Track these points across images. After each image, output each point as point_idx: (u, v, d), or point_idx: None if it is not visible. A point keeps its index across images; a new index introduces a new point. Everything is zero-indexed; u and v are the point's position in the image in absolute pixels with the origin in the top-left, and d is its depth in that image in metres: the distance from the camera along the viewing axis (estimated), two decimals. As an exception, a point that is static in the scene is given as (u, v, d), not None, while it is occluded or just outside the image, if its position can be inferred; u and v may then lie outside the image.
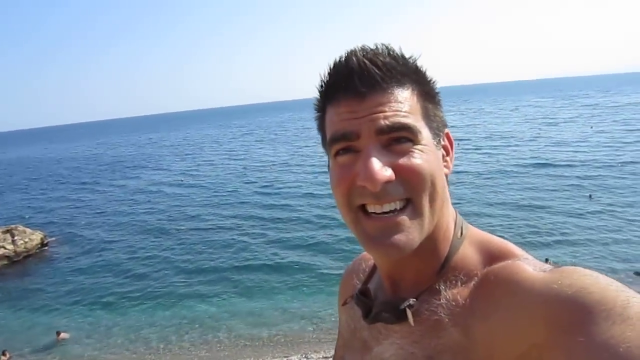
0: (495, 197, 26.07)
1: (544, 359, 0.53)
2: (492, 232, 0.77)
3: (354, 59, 0.65)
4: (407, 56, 0.69)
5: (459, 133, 59.82)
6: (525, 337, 0.55)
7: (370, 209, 0.64)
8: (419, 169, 0.63)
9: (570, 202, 22.64)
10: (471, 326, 0.61)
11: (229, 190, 33.59)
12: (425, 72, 0.70)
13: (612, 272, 14.79)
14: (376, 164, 0.61)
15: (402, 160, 0.63)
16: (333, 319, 13.69)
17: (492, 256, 0.67)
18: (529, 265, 0.61)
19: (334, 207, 24.45)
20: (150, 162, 56.03)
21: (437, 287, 0.67)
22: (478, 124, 71.63)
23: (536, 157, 34.81)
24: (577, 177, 27.56)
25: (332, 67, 0.67)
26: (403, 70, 0.66)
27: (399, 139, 0.63)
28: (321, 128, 0.72)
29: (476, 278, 0.65)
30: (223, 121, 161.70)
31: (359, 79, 0.64)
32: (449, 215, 0.72)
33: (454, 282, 0.67)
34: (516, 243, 0.72)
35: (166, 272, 18.68)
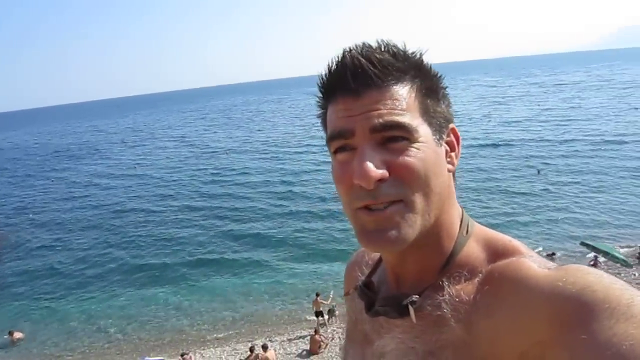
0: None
1: (546, 357, 0.53)
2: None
3: (349, 57, 0.65)
4: (410, 51, 0.68)
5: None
6: (528, 335, 0.55)
7: (370, 205, 0.64)
8: (413, 167, 0.63)
9: (520, 180, 23.52)
10: (474, 322, 0.61)
11: (178, 179, 32.85)
12: (429, 67, 0.70)
13: (560, 242, 15.62)
14: (370, 162, 0.61)
15: (397, 159, 0.63)
16: (295, 302, 14.03)
17: (497, 253, 0.67)
18: (534, 263, 0.61)
19: (288, 194, 24.98)
20: (96, 151, 53.77)
21: (441, 283, 0.67)
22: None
23: (487, 137, 35.89)
24: (526, 155, 28.60)
25: (329, 64, 0.67)
26: (401, 67, 0.66)
27: (394, 137, 0.63)
28: (324, 125, 0.72)
29: (480, 275, 0.65)
30: (176, 105, 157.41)
31: (354, 77, 0.64)
32: (454, 212, 0.72)
33: (458, 278, 0.67)
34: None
35: (123, 261, 18.39)
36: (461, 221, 0.72)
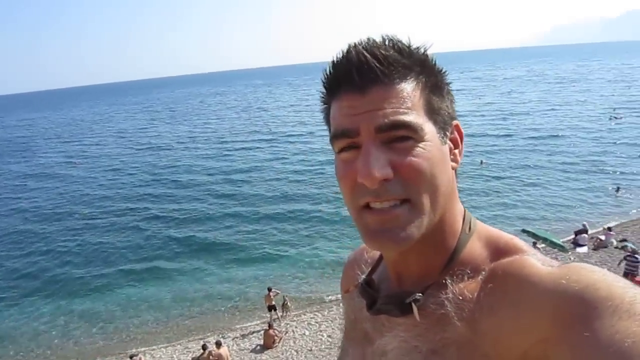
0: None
1: (549, 355, 0.53)
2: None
3: (354, 52, 0.63)
4: (415, 46, 0.67)
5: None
6: (531, 333, 0.55)
7: (371, 204, 0.64)
8: (419, 167, 0.62)
9: (462, 175, 24.34)
10: (478, 321, 0.61)
11: (118, 176, 31.41)
12: (434, 63, 0.68)
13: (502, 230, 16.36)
14: (374, 161, 0.61)
15: (402, 159, 0.62)
16: (245, 298, 13.92)
17: (499, 251, 0.67)
18: (537, 261, 0.61)
19: (233, 193, 24.52)
20: (25, 148, 50.34)
21: (444, 281, 0.67)
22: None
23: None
24: (470, 149, 29.68)
25: (333, 60, 0.66)
26: (407, 63, 0.64)
27: (399, 137, 0.62)
28: (327, 120, 0.72)
29: (484, 273, 0.65)
30: (115, 98, 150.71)
31: (359, 73, 0.63)
32: (457, 210, 0.72)
33: (461, 276, 0.66)
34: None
35: (67, 263, 17.60)
36: (464, 219, 0.72)
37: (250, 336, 11.85)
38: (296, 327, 12.00)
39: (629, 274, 10.58)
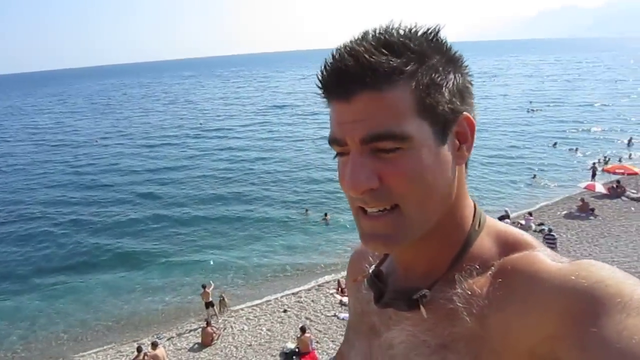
0: (325, 160, 27.60)
1: (556, 350, 0.53)
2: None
3: (338, 58, 0.61)
4: (416, 37, 0.63)
5: (288, 99, 61.67)
6: (539, 328, 0.55)
7: (364, 208, 0.65)
8: (406, 176, 0.61)
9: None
10: (487, 316, 0.61)
11: (30, 177, 28.90)
12: (439, 53, 0.64)
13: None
14: (358, 173, 0.61)
15: (388, 168, 0.61)
16: (180, 297, 13.61)
17: (509, 247, 0.67)
18: (547, 257, 0.61)
19: (158, 187, 23.58)
20: None
21: (453, 276, 0.66)
22: (308, 90, 74.77)
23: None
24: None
25: (323, 65, 0.63)
26: (395, 65, 0.60)
27: (384, 147, 0.61)
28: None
29: (493, 268, 0.65)
30: (32, 89, 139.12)
31: (342, 82, 0.61)
32: (465, 205, 0.71)
33: (469, 271, 0.66)
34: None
35: None
36: (474, 215, 0.71)
37: (187, 335, 11.59)
38: (234, 323, 11.91)
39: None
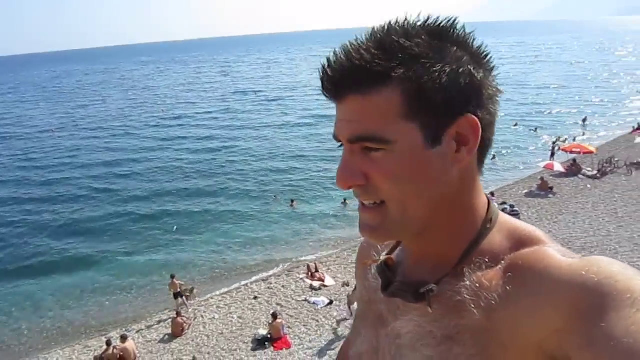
0: (291, 148, 27.52)
1: (564, 344, 0.53)
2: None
3: (332, 60, 0.64)
4: (416, 33, 0.62)
5: (251, 85, 60.93)
6: (548, 323, 0.55)
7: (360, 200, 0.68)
8: (389, 177, 0.63)
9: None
10: (495, 309, 0.61)
11: None
12: (435, 55, 0.61)
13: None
14: (345, 170, 0.65)
15: (373, 167, 0.64)
16: (147, 289, 13.39)
17: (520, 242, 0.67)
18: (557, 252, 0.61)
19: (122, 176, 22.97)
20: None
21: (462, 270, 0.67)
22: (271, 75, 74.05)
23: (329, 109, 37.55)
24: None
25: (322, 65, 0.66)
26: (384, 67, 0.60)
27: (370, 146, 0.64)
28: None
29: (503, 262, 0.65)
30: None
31: (333, 83, 0.64)
32: (477, 204, 0.71)
33: (479, 265, 0.66)
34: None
35: None
36: (487, 211, 0.71)
37: (157, 326, 11.42)
38: (205, 312, 11.80)
39: None
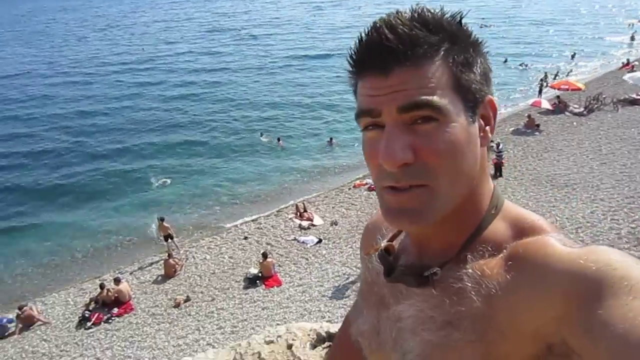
0: (270, 94, 26.94)
1: (562, 331, 0.54)
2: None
3: (376, 33, 0.62)
4: (447, 17, 0.64)
5: (230, 22, 58.69)
6: (546, 310, 0.56)
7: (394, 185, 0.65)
8: (440, 152, 0.61)
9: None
10: (494, 296, 0.62)
11: None
12: (467, 35, 0.66)
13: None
14: (395, 145, 0.61)
15: (424, 142, 0.61)
16: (137, 232, 13.49)
17: (523, 231, 0.68)
18: (558, 242, 0.62)
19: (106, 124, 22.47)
20: None
21: (465, 257, 0.67)
22: (253, 11, 71.27)
23: (314, 47, 36.63)
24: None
25: (358, 40, 0.64)
26: (433, 41, 0.62)
27: (423, 117, 0.61)
28: (355, 95, 0.70)
29: (505, 251, 0.66)
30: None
31: (381, 56, 0.61)
32: (484, 188, 0.72)
33: (481, 253, 0.67)
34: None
35: None
36: (491, 198, 0.72)
37: (149, 268, 11.64)
38: (196, 253, 12.02)
39: (498, 162, 13.63)
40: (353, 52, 0.65)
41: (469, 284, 0.64)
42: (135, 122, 22.98)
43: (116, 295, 9.87)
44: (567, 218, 10.79)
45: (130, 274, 11.38)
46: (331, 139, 18.22)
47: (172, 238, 11.98)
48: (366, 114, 0.64)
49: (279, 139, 18.97)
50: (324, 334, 5.42)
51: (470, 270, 0.66)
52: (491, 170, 13.32)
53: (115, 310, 9.80)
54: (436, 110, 0.60)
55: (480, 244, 0.68)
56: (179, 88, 28.97)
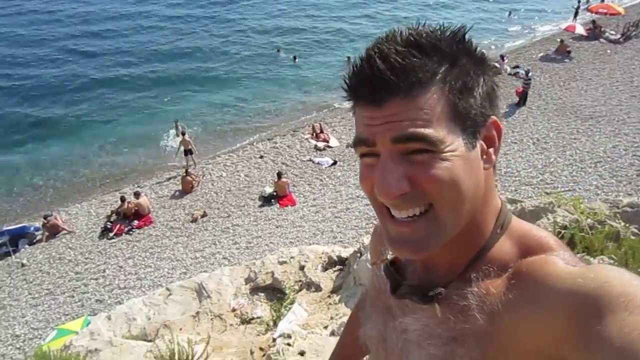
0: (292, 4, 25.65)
1: (561, 350, 0.55)
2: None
3: (368, 63, 0.60)
4: (447, 35, 0.62)
5: None
6: (547, 329, 0.57)
7: (393, 213, 0.65)
8: (438, 180, 0.60)
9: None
10: (498, 315, 0.63)
11: None
12: (468, 54, 0.63)
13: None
14: (389, 177, 0.60)
15: (419, 172, 0.60)
16: (155, 147, 13.69)
17: (529, 250, 0.68)
18: (561, 260, 0.62)
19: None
20: None
21: (469, 276, 0.68)
22: None
23: None
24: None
25: (351, 69, 0.63)
26: (428, 67, 0.60)
27: (416, 149, 0.60)
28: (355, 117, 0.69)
29: (510, 270, 0.66)
30: None
31: (373, 88, 0.60)
32: (490, 208, 0.71)
33: (486, 272, 0.67)
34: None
35: None
36: (498, 216, 0.72)
37: (167, 183, 11.93)
38: (213, 170, 12.22)
39: (524, 91, 13.37)
40: (347, 82, 0.64)
41: (474, 302, 0.66)
42: (148, 39, 22.41)
43: (136, 208, 10.24)
44: (587, 151, 10.61)
45: (150, 187, 11.71)
46: (349, 57, 17.69)
47: (191, 153, 12.17)
48: (362, 142, 0.64)
49: (295, 57, 18.48)
50: (335, 257, 5.63)
51: (475, 289, 0.67)
52: (516, 99, 13.26)
53: (136, 222, 10.22)
54: (430, 143, 0.60)
55: (486, 264, 0.68)
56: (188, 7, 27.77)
